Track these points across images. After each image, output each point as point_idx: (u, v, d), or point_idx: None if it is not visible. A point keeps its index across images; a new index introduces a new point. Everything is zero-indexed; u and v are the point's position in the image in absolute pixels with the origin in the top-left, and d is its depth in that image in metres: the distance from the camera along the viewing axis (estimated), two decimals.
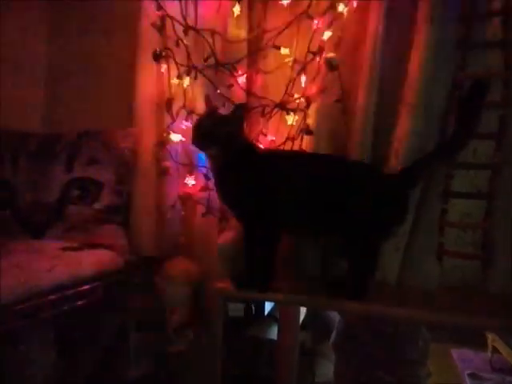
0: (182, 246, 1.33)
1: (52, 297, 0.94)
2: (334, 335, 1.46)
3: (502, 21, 1.03)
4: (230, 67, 1.20)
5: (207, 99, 1.08)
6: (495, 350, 3.02)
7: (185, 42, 1.23)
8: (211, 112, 1.06)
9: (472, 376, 2.64)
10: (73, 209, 1.27)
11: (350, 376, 1.40)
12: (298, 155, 1.10)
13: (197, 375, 1.31)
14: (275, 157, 1.06)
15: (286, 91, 1.15)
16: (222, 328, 1.15)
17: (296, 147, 1.14)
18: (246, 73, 1.22)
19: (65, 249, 1.12)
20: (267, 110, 1.18)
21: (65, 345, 1.15)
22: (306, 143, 1.13)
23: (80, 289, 1.05)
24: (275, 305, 1.76)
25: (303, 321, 2.25)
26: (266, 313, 2.11)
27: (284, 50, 1.17)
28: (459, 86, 1.06)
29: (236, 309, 1.76)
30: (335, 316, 1.65)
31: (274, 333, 1.67)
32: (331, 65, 1.06)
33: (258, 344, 1.76)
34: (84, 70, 1.62)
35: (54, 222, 1.28)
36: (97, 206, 1.29)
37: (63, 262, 1.03)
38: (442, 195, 1.09)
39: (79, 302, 1.06)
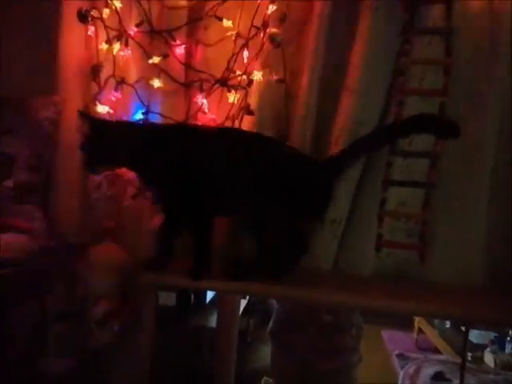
0: (109, 231, 1.21)
1: None
2: (271, 323, 1.45)
3: (445, 8, 1.03)
4: (167, 35, 1.09)
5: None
6: (420, 330, 3.26)
7: (115, 2, 1.09)
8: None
9: (400, 356, 2.83)
10: None
11: (286, 364, 1.40)
12: (214, 132, 1.05)
13: (124, 370, 1.22)
14: (196, 134, 1.02)
15: (227, 67, 1.07)
16: (151, 319, 1.07)
17: (236, 127, 1.07)
18: (184, 43, 1.12)
19: None
20: (207, 85, 1.09)
21: None
22: (246, 124, 1.06)
23: None
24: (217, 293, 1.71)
25: (245, 308, 2.24)
26: (207, 301, 2.05)
27: (226, 22, 1.09)
28: (401, 72, 1.05)
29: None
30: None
31: (214, 321, 1.64)
32: (274, 41, 1.00)
33: (198, 332, 1.72)
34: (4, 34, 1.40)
35: None
36: (7, 183, 1.12)
37: None
38: (382, 183, 1.08)
39: None
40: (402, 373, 2.51)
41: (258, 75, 1.04)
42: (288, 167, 0.97)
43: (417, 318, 3.28)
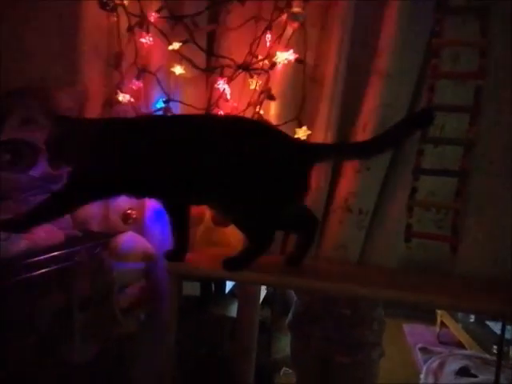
0: (132, 221, 1.21)
1: None
2: (290, 315, 1.43)
3: None
4: (189, 21, 1.06)
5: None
6: (443, 324, 3.19)
7: None
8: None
9: (423, 350, 2.77)
10: (3, 175, 1.11)
11: (305, 356, 1.38)
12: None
13: (149, 359, 1.22)
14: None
15: (249, 51, 1.04)
16: (176, 308, 1.07)
17: (258, 114, 1.05)
18: (205, 29, 1.10)
19: None
20: (229, 71, 1.07)
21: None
22: (268, 109, 1.03)
23: (13, 265, 0.92)
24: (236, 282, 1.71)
25: (264, 298, 2.24)
26: (226, 291, 2.06)
27: (249, 5, 1.05)
28: (434, 53, 1.00)
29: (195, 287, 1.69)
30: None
31: (234, 311, 1.62)
32: (297, 20, 0.96)
33: (219, 322, 1.72)
34: (20, 18, 1.40)
35: None
36: (33, 172, 1.13)
37: None
38: (412, 172, 1.03)
39: (12, 280, 0.93)
40: (425, 367, 2.45)
41: (281, 57, 1.01)
42: (256, 149, 0.88)
43: (439, 312, 3.20)
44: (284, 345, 2.26)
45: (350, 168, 1.07)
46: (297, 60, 1.01)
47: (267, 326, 2.00)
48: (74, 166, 0.98)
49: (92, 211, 1.23)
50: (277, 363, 2.24)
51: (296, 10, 0.98)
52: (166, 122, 0.98)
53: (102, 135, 0.94)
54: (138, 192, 0.98)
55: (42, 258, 0.98)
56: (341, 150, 1.00)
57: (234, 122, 0.95)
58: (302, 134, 1.03)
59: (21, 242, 0.93)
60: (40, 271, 0.98)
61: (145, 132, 0.92)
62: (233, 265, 0.93)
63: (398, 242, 1.05)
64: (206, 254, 1.07)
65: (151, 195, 1.01)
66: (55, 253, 1.02)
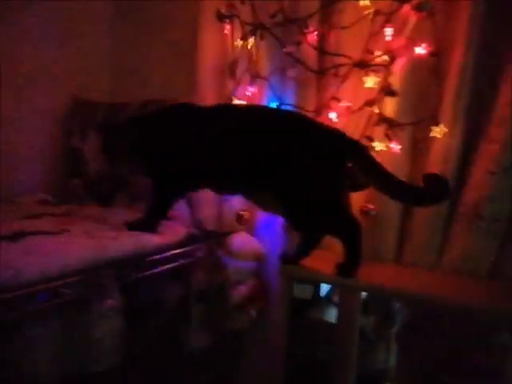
0: (244, 221, 1.26)
1: (118, 265, 0.93)
2: (397, 325, 1.34)
3: None
4: (301, 23, 1.06)
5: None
6: None
7: None
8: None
9: None
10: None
11: (410, 374, 1.27)
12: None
13: (260, 355, 1.27)
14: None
15: (365, 48, 0.99)
16: (287, 310, 1.08)
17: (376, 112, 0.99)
18: (317, 29, 1.08)
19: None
20: (342, 71, 1.04)
21: (131, 313, 1.16)
22: (388, 106, 0.97)
23: (144, 258, 1.04)
24: (332, 287, 1.68)
25: (363, 305, 2.13)
26: (322, 295, 2.02)
27: (364, 1, 1.01)
28: None
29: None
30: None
31: (331, 316, 1.59)
32: (424, 9, 0.88)
33: (316, 327, 1.70)
34: (147, 39, 1.59)
35: (119, 190, 1.29)
36: None
37: (127, 232, 1.02)
38: None
39: (144, 271, 1.05)
40: None
41: (402, 51, 0.94)
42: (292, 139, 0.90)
43: None
44: (387, 355, 2.12)
45: (480, 168, 0.95)
46: (431, 53, 0.94)
47: (366, 333, 1.91)
48: (149, 164, 1.05)
49: (207, 211, 1.32)
50: (378, 373, 2.12)
51: None
52: (230, 112, 1.02)
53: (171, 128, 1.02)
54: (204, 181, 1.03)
55: (168, 254, 1.08)
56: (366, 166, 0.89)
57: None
58: (438, 132, 0.95)
59: (153, 239, 1.05)
60: (166, 266, 1.08)
61: (209, 122, 0.99)
62: (347, 271, 0.91)
63: None
64: (315, 257, 1.06)
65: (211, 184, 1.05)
66: (178, 250, 1.11)
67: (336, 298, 1.64)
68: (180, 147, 0.99)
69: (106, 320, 1.05)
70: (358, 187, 0.95)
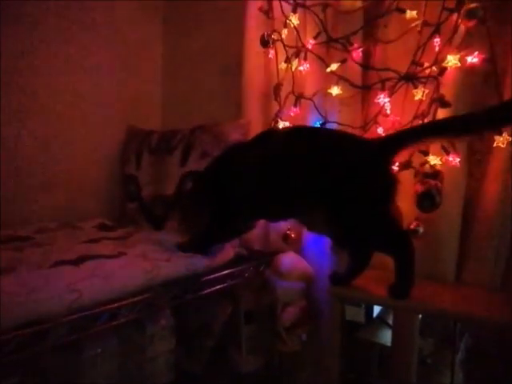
0: (291, 241, 1.25)
1: (171, 286, 0.96)
2: (461, 351, 1.23)
3: None
4: (345, 41, 1.07)
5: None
6: None
7: (293, 21, 1.14)
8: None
9: None
10: (186, 201, 1.30)
11: None
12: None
13: (312, 378, 1.23)
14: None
15: (413, 60, 0.97)
16: (338, 332, 1.04)
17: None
18: (361, 46, 1.08)
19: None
20: (389, 85, 1.02)
21: (183, 332, 1.18)
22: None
23: (196, 279, 1.06)
24: (384, 307, 1.60)
25: (420, 326, 2.00)
26: (374, 315, 1.92)
27: (411, 13, 0.99)
28: None
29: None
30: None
31: (384, 337, 1.51)
32: (475, 16, 0.84)
33: (369, 348, 1.62)
34: (196, 65, 1.67)
35: (172, 214, 1.33)
36: None
37: (179, 254, 1.05)
38: None
39: (195, 291, 1.06)
40: None
41: (452, 60, 0.91)
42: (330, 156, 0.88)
43: None
44: (448, 380, 1.95)
45: None
46: (484, 61, 0.89)
47: (425, 356, 1.78)
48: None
49: (254, 231, 1.32)
50: None
51: (473, 5, 0.86)
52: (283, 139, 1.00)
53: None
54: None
55: (218, 274, 1.09)
56: (433, 129, 0.84)
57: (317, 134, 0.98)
58: (501, 141, 0.90)
59: (204, 260, 1.06)
60: (217, 287, 1.09)
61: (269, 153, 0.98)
62: (400, 292, 0.87)
63: None
64: (366, 278, 1.02)
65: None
66: (228, 271, 1.12)
67: (389, 319, 1.57)
68: (249, 185, 1.00)
69: (159, 340, 1.08)
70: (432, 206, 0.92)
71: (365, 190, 0.85)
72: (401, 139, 0.86)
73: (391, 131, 1.02)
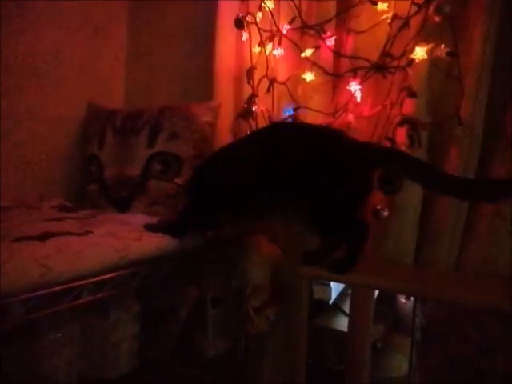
0: (260, 225, 1.27)
1: (140, 267, 0.94)
2: (416, 332, 1.32)
3: None
4: (319, 28, 1.09)
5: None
6: None
7: (268, 5, 1.14)
8: None
9: None
10: (155, 183, 1.27)
11: (427, 379, 1.24)
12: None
13: (279, 358, 1.25)
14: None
15: (383, 51, 1.01)
16: (305, 312, 1.08)
17: (396, 113, 1.01)
18: (335, 34, 1.11)
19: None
20: (360, 73, 1.05)
21: (147, 316, 1.16)
22: (407, 107, 0.99)
23: (163, 260, 1.04)
24: (340, 294, 1.67)
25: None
26: (330, 302, 2.00)
27: (381, 6, 1.03)
28: None
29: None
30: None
31: (340, 323, 1.59)
32: (443, 12, 0.90)
33: (326, 334, 1.68)
34: (164, 46, 1.62)
35: (137, 196, 1.29)
36: (178, 180, 1.27)
37: (149, 234, 1.02)
38: None
39: (161, 274, 1.05)
40: None
41: (420, 52, 0.96)
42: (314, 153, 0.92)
43: None
44: (397, 363, 2.09)
45: (499, 168, 0.96)
46: (448, 54, 0.95)
47: (376, 341, 1.88)
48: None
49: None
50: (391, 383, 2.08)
51: (440, 1, 0.92)
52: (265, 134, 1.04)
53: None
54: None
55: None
56: (430, 176, 0.88)
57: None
58: (461, 131, 0.97)
59: (175, 241, 1.04)
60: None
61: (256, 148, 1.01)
62: (341, 267, 0.93)
63: None
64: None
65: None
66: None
67: (344, 306, 1.64)
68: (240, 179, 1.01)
69: (123, 325, 1.05)
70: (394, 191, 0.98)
71: (343, 187, 0.90)
72: (397, 162, 0.90)
73: (361, 119, 1.07)
